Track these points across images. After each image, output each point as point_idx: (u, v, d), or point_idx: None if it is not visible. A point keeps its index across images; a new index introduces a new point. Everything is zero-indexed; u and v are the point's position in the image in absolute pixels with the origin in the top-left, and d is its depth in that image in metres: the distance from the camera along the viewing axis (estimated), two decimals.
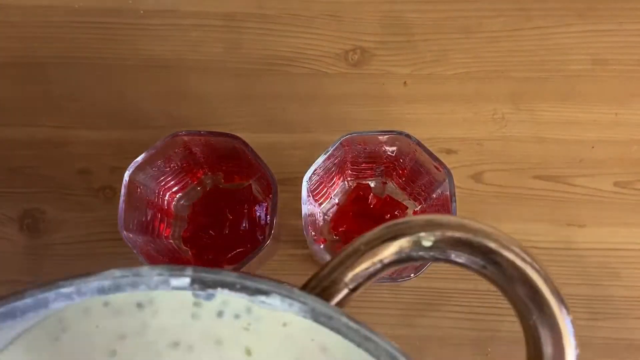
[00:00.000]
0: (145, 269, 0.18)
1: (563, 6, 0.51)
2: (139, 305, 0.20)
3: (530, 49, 0.51)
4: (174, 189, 0.45)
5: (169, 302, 0.20)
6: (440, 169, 0.38)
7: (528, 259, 0.24)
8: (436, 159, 0.38)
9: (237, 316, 0.21)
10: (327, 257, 0.37)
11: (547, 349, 0.23)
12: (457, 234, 0.23)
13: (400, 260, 0.24)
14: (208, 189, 0.46)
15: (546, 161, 0.49)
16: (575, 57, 0.51)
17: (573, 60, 0.50)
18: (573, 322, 0.24)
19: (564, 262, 0.47)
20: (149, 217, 0.41)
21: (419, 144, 0.38)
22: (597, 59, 0.51)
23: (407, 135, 0.38)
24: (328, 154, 0.38)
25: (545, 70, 0.50)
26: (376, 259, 0.23)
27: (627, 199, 0.48)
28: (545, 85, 0.50)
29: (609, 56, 0.51)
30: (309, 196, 0.38)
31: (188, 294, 0.19)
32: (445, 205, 0.38)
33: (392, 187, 0.46)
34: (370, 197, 0.45)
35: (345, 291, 0.23)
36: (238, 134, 0.38)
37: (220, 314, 0.20)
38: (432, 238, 0.23)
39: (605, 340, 0.46)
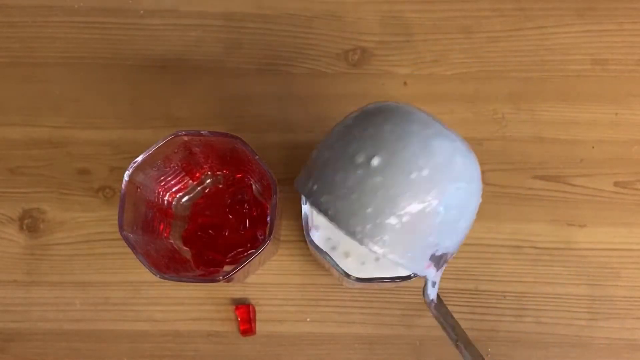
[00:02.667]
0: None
1: (563, 6, 0.51)
2: None
3: (530, 48, 0.51)
4: (173, 189, 0.45)
5: None
6: None
7: None
8: None
9: None
10: (327, 258, 0.37)
11: None
12: None
13: None
14: (208, 189, 0.46)
15: (546, 161, 0.49)
16: (575, 57, 0.51)
17: (573, 60, 0.51)
18: None
19: (564, 262, 0.47)
20: (148, 217, 0.41)
21: None
22: (597, 59, 0.51)
23: None
24: None
25: (545, 70, 0.50)
26: None
27: (627, 199, 0.48)
28: (545, 85, 0.50)
29: (608, 56, 0.51)
30: None
31: None
32: None
33: None
34: None
35: None
36: (238, 134, 0.38)
37: None
38: None
39: (605, 340, 0.46)
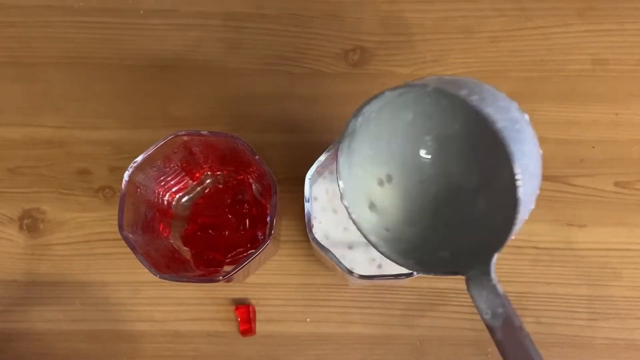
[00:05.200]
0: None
1: (563, 6, 0.51)
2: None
3: (530, 49, 0.51)
4: (173, 189, 0.45)
5: None
6: None
7: None
8: None
9: None
10: (330, 255, 0.37)
11: None
12: None
13: None
14: (208, 189, 0.46)
15: (546, 161, 0.49)
16: (575, 57, 0.51)
17: (573, 60, 0.51)
18: None
19: (564, 262, 0.47)
20: (148, 217, 0.41)
21: None
22: (597, 59, 0.51)
23: None
24: (330, 152, 0.38)
25: (545, 70, 0.50)
26: None
27: (627, 199, 0.48)
28: (545, 85, 0.50)
29: (609, 56, 0.51)
30: (311, 194, 0.38)
31: None
32: None
33: None
34: None
35: None
36: (238, 134, 0.38)
37: None
38: None
39: (605, 340, 0.46)
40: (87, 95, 0.50)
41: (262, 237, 0.44)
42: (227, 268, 0.43)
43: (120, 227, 0.37)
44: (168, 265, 0.39)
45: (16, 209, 0.48)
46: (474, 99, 0.28)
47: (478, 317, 0.46)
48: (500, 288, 0.29)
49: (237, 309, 0.46)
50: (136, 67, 0.51)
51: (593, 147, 0.49)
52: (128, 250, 0.37)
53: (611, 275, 0.47)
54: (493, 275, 0.30)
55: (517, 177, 0.28)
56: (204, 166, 0.44)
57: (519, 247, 0.47)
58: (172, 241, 0.44)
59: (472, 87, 0.29)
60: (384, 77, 0.50)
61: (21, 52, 0.51)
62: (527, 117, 0.32)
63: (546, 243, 0.47)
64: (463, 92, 0.29)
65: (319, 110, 0.50)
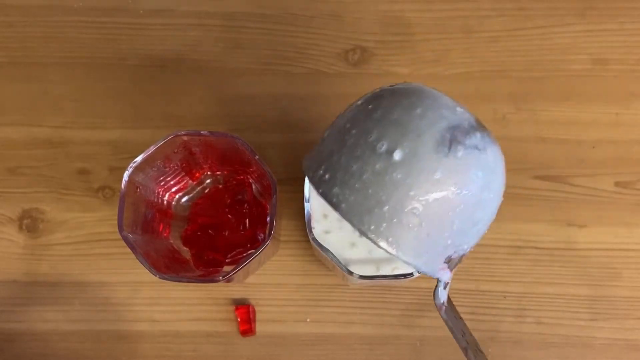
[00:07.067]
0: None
1: (563, 6, 0.51)
2: None
3: (530, 48, 0.51)
4: (173, 189, 0.45)
5: None
6: None
7: None
8: None
9: None
10: (331, 255, 0.37)
11: None
12: None
13: None
14: (208, 189, 0.46)
15: (546, 161, 0.49)
16: (575, 57, 0.51)
17: (573, 60, 0.50)
18: None
19: (564, 262, 0.47)
20: (148, 218, 0.41)
21: None
22: (597, 58, 0.51)
23: None
24: None
25: (545, 70, 0.50)
26: None
27: (628, 199, 0.48)
28: (545, 85, 0.50)
29: (609, 56, 0.51)
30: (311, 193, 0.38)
31: None
32: None
33: None
34: None
35: None
36: (238, 134, 0.38)
37: None
38: None
39: (605, 341, 0.46)
40: (87, 95, 0.50)
41: (262, 237, 0.44)
42: (227, 268, 0.43)
43: (120, 227, 0.37)
44: (168, 266, 0.39)
45: (16, 209, 0.48)
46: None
47: (478, 317, 0.46)
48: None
49: (237, 309, 0.46)
50: (136, 67, 0.51)
51: (593, 147, 0.49)
52: (128, 250, 0.37)
53: (611, 276, 0.47)
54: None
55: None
56: (204, 166, 0.44)
57: (519, 247, 0.47)
58: (172, 241, 0.44)
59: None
60: (383, 77, 0.50)
61: (21, 52, 0.51)
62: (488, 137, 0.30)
63: (546, 243, 0.47)
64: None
65: (318, 110, 0.50)
